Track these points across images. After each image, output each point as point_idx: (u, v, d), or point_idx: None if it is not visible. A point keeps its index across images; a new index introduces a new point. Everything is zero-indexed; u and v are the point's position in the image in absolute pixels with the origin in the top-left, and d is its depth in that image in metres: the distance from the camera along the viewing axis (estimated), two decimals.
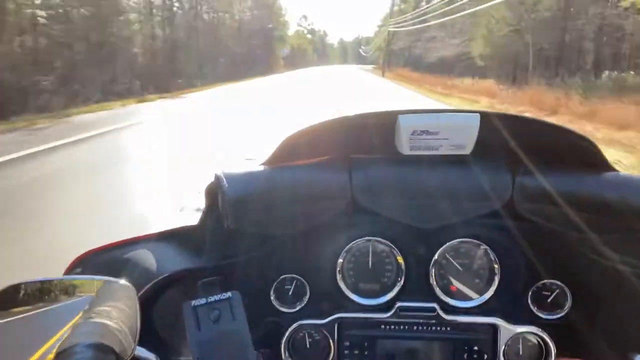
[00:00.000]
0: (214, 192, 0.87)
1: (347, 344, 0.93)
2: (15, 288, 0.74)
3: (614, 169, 0.84)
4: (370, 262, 0.94)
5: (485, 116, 0.82)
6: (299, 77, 38.06)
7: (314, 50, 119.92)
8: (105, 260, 0.89)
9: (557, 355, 0.90)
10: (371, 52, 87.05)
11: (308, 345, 0.95)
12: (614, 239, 0.83)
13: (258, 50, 45.26)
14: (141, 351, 0.76)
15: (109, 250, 0.91)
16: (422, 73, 34.65)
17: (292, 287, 0.95)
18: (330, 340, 0.93)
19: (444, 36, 33.52)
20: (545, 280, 0.91)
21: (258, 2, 46.72)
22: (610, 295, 0.87)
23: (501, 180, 0.85)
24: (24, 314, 0.74)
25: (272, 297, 0.95)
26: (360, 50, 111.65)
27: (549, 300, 0.91)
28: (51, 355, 0.71)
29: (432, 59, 35.89)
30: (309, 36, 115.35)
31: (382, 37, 62.01)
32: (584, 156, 0.84)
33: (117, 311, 0.75)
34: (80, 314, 0.75)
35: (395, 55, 54.33)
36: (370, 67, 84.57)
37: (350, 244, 0.93)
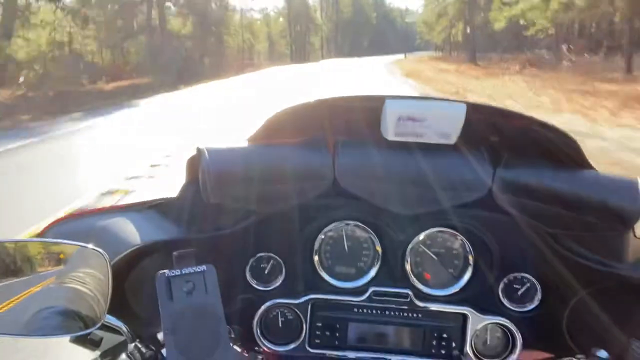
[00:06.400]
0: (195, 166, 0.86)
1: (319, 324, 0.94)
2: None
3: (593, 168, 0.85)
4: (347, 246, 0.95)
5: (471, 107, 0.83)
6: None
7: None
8: (80, 227, 0.88)
9: (523, 347, 0.92)
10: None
11: (280, 324, 0.95)
12: (587, 237, 0.84)
13: None
14: (111, 319, 0.76)
15: (85, 217, 0.90)
16: None
17: (268, 265, 0.95)
18: (303, 320, 0.94)
19: None
20: (517, 274, 0.92)
21: None
22: (579, 292, 0.89)
23: (482, 171, 0.86)
24: None
25: (247, 274, 0.95)
26: None
27: (519, 293, 0.93)
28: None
29: None
30: None
31: None
32: (565, 153, 0.85)
33: (89, 277, 0.74)
34: (52, 278, 0.75)
35: None
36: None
37: (329, 226, 0.93)
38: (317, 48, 72.87)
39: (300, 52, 67.50)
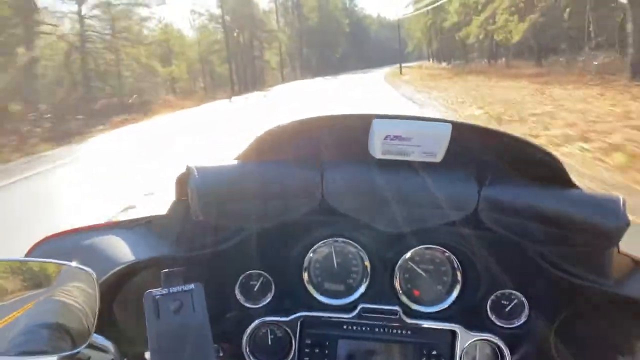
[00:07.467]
0: (184, 183, 0.87)
1: (308, 342, 0.94)
2: None
3: (576, 186, 0.86)
4: (336, 263, 0.95)
5: (457, 126, 0.84)
6: None
7: None
8: (68, 245, 0.88)
9: None
10: None
11: (270, 342, 0.95)
12: (572, 254, 0.85)
13: None
14: (98, 338, 0.76)
15: (73, 235, 0.90)
16: None
17: (258, 282, 0.95)
18: (292, 338, 0.93)
19: None
20: (505, 290, 0.93)
21: None
22: (566, 308, 0.90)
23: (468, 190, 0.87)
24: None
25: (236, 292, 0.94)
26: None
27: (507, 309, 0.94)
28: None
29: None
30: None
31: None
32: (548, 172, 0.86)
33: (77, 296, 0.74)
34: (39, 298, 0.74)
35: None
36: None
37: (318, 244, 0.93)
38: (275, 67, 47.99)
39: (247, 75, 40.29)
